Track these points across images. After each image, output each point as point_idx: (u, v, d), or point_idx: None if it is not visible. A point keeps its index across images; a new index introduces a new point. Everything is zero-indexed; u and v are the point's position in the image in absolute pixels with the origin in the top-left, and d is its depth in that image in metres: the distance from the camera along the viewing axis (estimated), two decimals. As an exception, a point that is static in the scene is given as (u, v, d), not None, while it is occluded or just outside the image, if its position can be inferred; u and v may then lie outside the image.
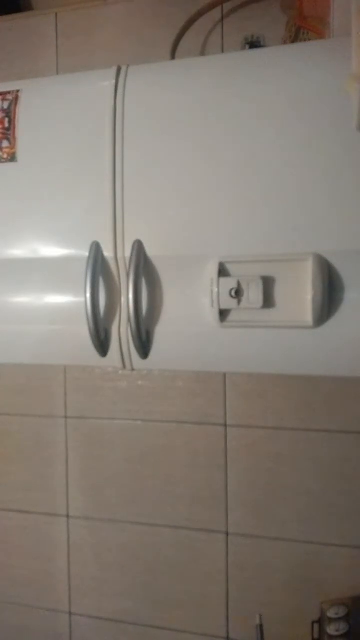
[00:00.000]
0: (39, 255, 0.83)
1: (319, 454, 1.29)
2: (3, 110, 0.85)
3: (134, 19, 1.39)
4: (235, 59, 0.86)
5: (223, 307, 0.74)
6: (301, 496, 1.31)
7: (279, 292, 0.73)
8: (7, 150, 0.85)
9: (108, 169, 0.80)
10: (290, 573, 1.32)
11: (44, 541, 1.53)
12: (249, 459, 1.34)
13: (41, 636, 1.55)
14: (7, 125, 0.85)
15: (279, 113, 0.73)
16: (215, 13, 1.30)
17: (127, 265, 0.77)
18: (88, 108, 0.82)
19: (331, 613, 1.21)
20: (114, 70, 0.83)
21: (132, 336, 0.77)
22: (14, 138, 0.84)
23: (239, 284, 0.73)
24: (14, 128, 0.84)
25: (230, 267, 0.74)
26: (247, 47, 1.27)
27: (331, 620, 1.20)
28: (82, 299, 0.77)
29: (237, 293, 0.73)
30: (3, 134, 0.85)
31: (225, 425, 1.35)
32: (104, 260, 0.79)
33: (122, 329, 0.81)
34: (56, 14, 1.45)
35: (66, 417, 1.49)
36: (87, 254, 0.78)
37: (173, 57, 1.28)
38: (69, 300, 0.83)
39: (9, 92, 0.86)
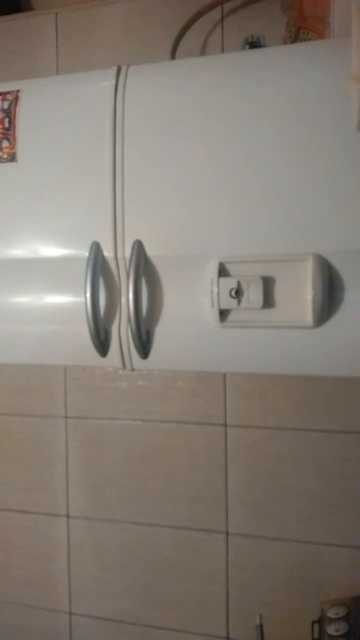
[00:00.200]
0: (39, 255, 0.83)
1: (319, 454, 1.29)
2: (3, 110, 0.85)
3: (134, 19, 1.39)
4: (235, 59, 0.86)
5: (223, 307, 0.74)
6: (301, 496, 1.31)
7: (279, 292, 0.73)
8: (7, 150, 0.85)
9: (108, 169, 0.80)
10: (290, 573, 1.32)
11: (44, 541, 1.53)
12: (249, 459, 1.34)
13: (41, 636, 1.55)
14: (7, 125, 0.85)
15: (279, 113, 0.73)
16: (215, 13, 1.30)
17: (127, 265, 0.77)
18: (88, 108, 0.82)
19: (331, 613, 1.20)
20: (114, 70, 0.83)
21: (132, 336, 0.77)
22: (14, 138, 0.84)
23: (239, 284, 0.73)
24: (14, 128, 0.84)
25: (230, 267, 0.74)
26: (247, 47, 1.27)
27: (331, 620, 1.20)
28: (82, 299, 0.77)
29: (237, 293, 0.73)
30: (3, 134, 0.85)
31: (225, 425, 1.35)
32: (104, 260, 0.79)
33: (122, 329, 0.81)
34: (56, 14, 1.45)
35: (66, 417, 1.49)
36: (87, 254, 0.78)
37: (173, 57, 1.28)
38: (69, 300, 0.83)
39: (9, 92, 0.86)
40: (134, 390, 1.42)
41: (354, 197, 0.70)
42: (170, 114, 0.78)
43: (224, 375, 1.35)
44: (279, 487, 1.32)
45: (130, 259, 0.76)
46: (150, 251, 0.78)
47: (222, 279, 0.74)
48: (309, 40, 1.09)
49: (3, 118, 0.85)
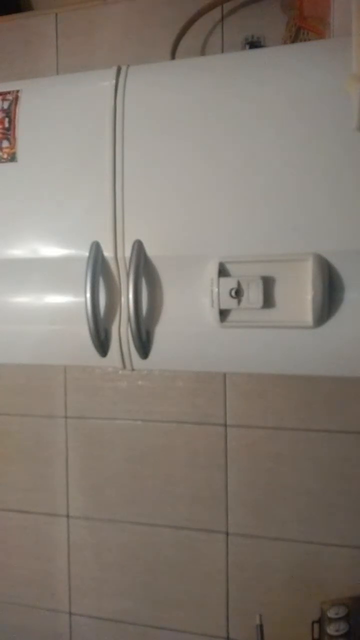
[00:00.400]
0: (39, 255, 0.83)
1: (319, 454, 1.29)
2: (3, 110, 0.85)
3: (134, 19, 1.39)
4: (235, 59, 0.86)
5: (223, 307, 0.74)
6: (301, 496, 1.31)
7: (279, 292, 0.73)
8: (7, 150, 0.85)
9: (108, 169, 0.80)
10: (290, 573, 1.32)
11: (44, 541, 1.53)
12: (249, 459, 1.34)
13: (41, 636, 1.55)
14: (7, 125, 0.85)
15: (279, 113, 0.73)
16: (215, 13, 1.30)
17: (127, 265, 0.77)
18: (88, 108, 0.82)
19: (331, 613, 1.20)
20: (114, 70, 0.83)
21: (132, 336, 0.77)
22: (14, 138, 0.84)
23: (239, 284, 0.73)
24: (14, 128, 0.85)
25: (230, 267, 0.74)
26: (247, 47, 1.27)
27: (331, 620, 1.20)
28: (82, 299, 0.77)
29: (237, 293, 0.73)
30: (3, 134, 0.85)
31: (225, 425, 1.35)
32: (104, 260, 0.79)
33: (122, 329, 0.81)
34: (56, 14, 1.45)
35: (66, 417, 1.49)
36: (87, 254, 0.78)
37: (173, 57, 1.28)
38: (69, 300, 0.83)
39: (9, 92, 0.86)
40: (134, 390, 1.42)
41: (354, 197, 0.70)
42: (170, 114, 0.78)
43: (224, 375, 1.35)
44: (279, 487, 1.32)
45: (130, 259, 0.76)
46: (150, 251, 0.78)
47: (222, 279, 0.74)
48: (309, 40, 1.09)
49: (3, 118, 0.85)
